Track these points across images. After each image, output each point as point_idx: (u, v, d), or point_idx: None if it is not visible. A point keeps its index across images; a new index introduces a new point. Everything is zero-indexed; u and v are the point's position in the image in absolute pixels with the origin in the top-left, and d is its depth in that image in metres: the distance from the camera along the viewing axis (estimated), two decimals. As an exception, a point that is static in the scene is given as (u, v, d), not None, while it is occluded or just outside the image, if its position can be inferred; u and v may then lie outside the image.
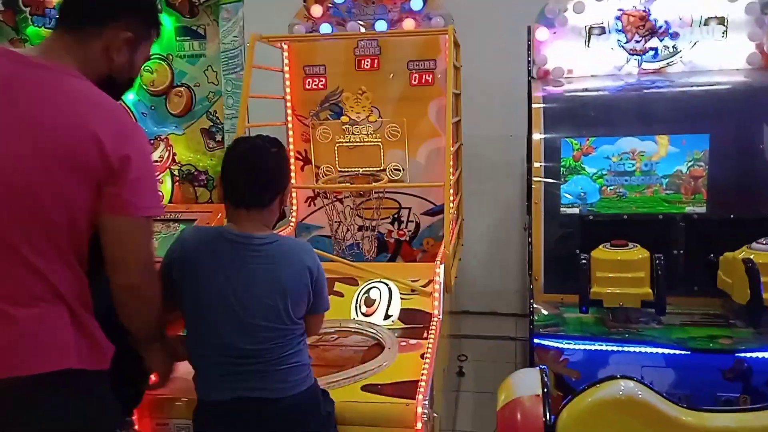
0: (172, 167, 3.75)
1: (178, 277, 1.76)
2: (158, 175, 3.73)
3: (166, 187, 3.75)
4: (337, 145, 3.53)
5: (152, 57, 3.70)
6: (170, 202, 3.73)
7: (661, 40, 3.26)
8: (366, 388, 2.06)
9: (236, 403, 1.74)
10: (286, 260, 1.78)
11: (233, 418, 1.74)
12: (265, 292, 1.74)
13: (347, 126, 3.51)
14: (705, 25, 3.22)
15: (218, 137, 3.67)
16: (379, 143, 3.48)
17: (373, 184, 3.49)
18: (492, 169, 4.55)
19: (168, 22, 3.66)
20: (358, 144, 3.52)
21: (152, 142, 3.75)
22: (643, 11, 3.24)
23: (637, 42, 3.27)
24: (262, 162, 1.78)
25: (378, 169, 3.50)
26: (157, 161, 3.74)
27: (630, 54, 3.30)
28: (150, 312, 1.68)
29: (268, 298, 1.73)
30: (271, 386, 1.74)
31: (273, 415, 1.74)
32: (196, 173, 3.73)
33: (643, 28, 3.25)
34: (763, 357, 2.29)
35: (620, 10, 3.27)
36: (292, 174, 3.62)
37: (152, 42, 1.82)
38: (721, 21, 3.20)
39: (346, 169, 3.55)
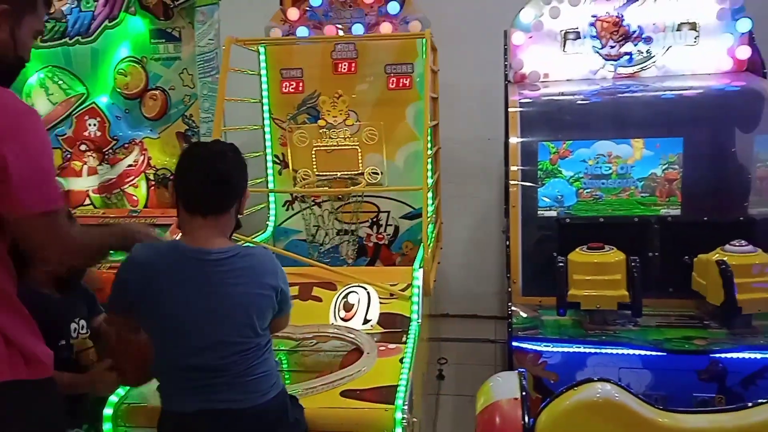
0: (147, 171, 3.70)
1: (135, 299, 1.67)
2: (133, 179, 3.68)
3: (141, 192, 3.70)
4: (315, 148, 3.51)
5: (126, 59, 3.66)
6: (145, 206, 3.69)
7: (635, 45, 3.31)
8: (345, 394, 2.05)
9: (201, 415, 1.66)
10: (249, 275, 1.71)
11: (198, 429, 1.68)
12: (228, 309, 1.67)
13: (324, 130, 3.50)
14: (677, 30, 3.27)
15: (194, 141, 3.62)
16: (357, 147, 3.47)
17: (351, 187, 3.48)
18: (470, 173, 4.57)
19: (142, 24, 3.61)
20: (336, 148, 3.50)
21: (126, 146, 3.70)
22: (617, 17, 3.28)
23: (612, 47, 3.32)
24: (220, 166, 1.70)
25: (356, 172, 3.49)
26: (131, 165, 3.69)
27: (605, 59, 3.34)
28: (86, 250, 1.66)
29: (230, 315, 1.67)
30: (237, 396, 1.68)
31: (239, 424, 1.69)
32: (171, 177, 3.68)
33: (617, 33, 3.29)
34: (738, 357, 2.32)
35: (594, 16, 3.31)
36: (270, 178, 3.60)
37: (41, 15, 1.66)
38: (693, 26, 3.26)
39: (324, 173, 3.53)
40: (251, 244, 2.95)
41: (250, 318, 1.68)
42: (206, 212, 1.69)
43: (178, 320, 1.65)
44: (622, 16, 3.28)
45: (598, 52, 3.33)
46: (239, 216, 1.79)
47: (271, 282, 1.74)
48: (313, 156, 3.51)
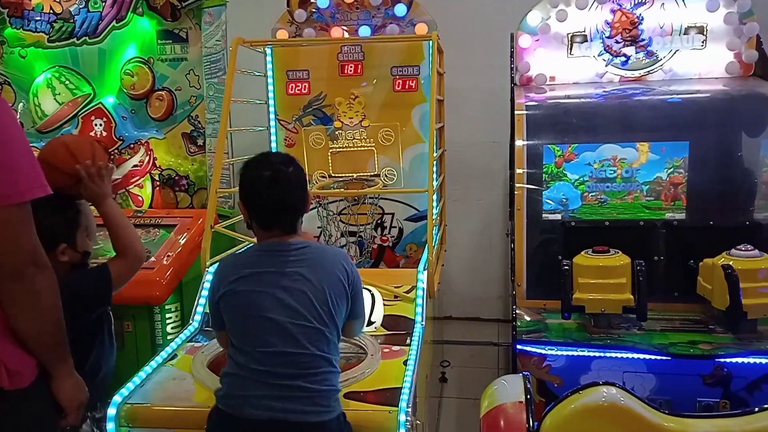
0: (152, 172, 3.71)
1: (223, 303, 1.81)
2: (138, 179, 3.69)
3: (146, 192, 3.71)
4: (331, 150, 3.52)
5: (133, 60, 3.67)
6: (150, 207, 3.70)
7: (637, 52, 3.31)
8: (349, 396, 2.04)
9: (271, 425, 1.71)
10: (324, 261, 1.83)
11: None
12: (305, 294, 1.76)
13: (339, 131, 3.51)
14: (685, 34, 3.27)
15: (200, 141, 3.64)
16: (373, 148, 3.48)
17: (355, 190, 3.48)
18: (475, 176, 4.57)
19: (149, 25, 3.63)
20: (352, 149, 3.51)
21: (132, 146, 3.71)
22: (637, 18, 3.27)
23: (617, 43, 3.31)
24: (289, 189, 1.82)
25: (372, 174, 3.50)
26: (137, 165, 3.70)
27: (605, 49, 3.33)
28: (43, 314, 1.59)
29: (307, 299, 1.76)
30: (310, 408, 1.73)
31: None
32: (177, 178, 3.69)
33: (628, 33, 3.29)
34: (743, 362, 2.31)
35: (619, 5, 3.30)
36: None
37: None
38: (701, 30, 3.25)
39: (339, 175, 3.54)
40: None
41: (324, 303, 1.77)
42: (281, 229, 1.84)
43: (258, 305, 1.75)
44: (642, 19, 3.28)
45: (602, 39, 3.32)
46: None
47: (344, 264, 1.86)
48: (329, 158, 3.52)
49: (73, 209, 2.06)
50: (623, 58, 3.33)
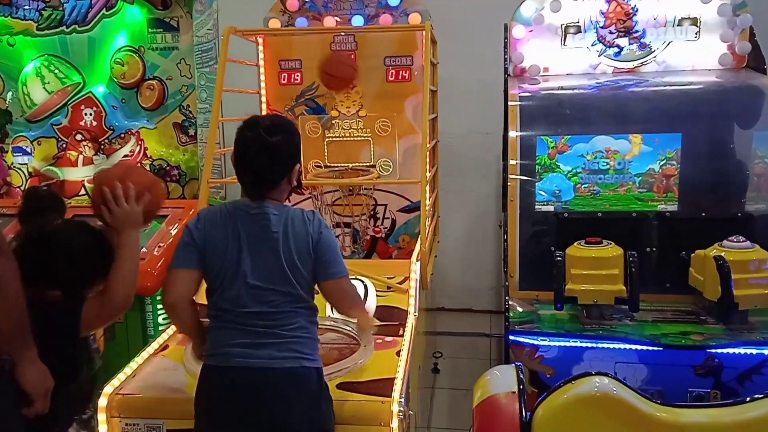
0: (143, 162, 3.68)
1: (201, 248, 1.82)
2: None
3: (137, 182, 3.68)
4: (327, 139, 3.50)
5: (123, 49, 3.64)
6: (141, 197, 3.66)
7: (630, 43, 3.30)
8: (341, 386, 2.04)
9: (241, 371, 1.76)
10: (295, 224, 1.84)
11: (236, 383, 1.76)
12: (271, 257, 1.80)
13: (335, 121, 3.49)
14: (678, 25, 3.26)
15: (191, 131, 3.61)
16: (369, 138, 3.47)
17: (348, 179, 3.47)
18: (468, 167, 4.57)
19: (140, 13, 3.59)
20: (347, 139, 3.49)
21: (123, 136, 3.68)
22: (631, 9, 3.27)
23: (611, 33, 3.30)
24: (261, 157, 1.81)
25: (368, 164, 3.49)
26: (127, 156, 3.68)
27: (598, 40, 3.33)
28: (3, 300, 1.57)
29: (274, 262, 1.79)
30: (289, 354, 1.78)
31: (275, 384, 1.76)
32: (168, 168, 3.67)
33: (623, 23, 3.28)
34: (734, 353, 2.32)
35: None
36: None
37: None
38: (694, 22, 3.25)
39: (334, 165, 3.53)
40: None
41: (293, 263, 1.80)
42: (254, 192, 1.85)
43: (231, 264, 1.79)
44: (636, 10, 3.27)
45: (596, 29, 3.31)
46: (295, 183, 1.92)
47: (308, 227, 1.85)
48: (325, 147, 3.51)
49: (108, 255, 1.90)
50: (616, 49, 3.32)
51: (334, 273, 1.88)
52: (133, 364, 2.17)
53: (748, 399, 1.58)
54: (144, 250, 3.12)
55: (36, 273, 1.77)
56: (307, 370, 1.80)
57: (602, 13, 3.30)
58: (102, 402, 2.00)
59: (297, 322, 1.81)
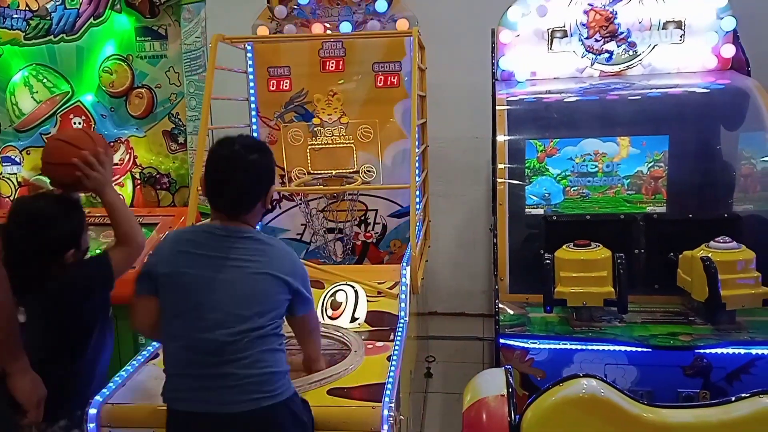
0: (133, 170, 3.68)
1: (160, 273, 1.76)
2: (118, 178, 3.65)
3: (126, 191, 3.68)
4: (309, 147, 3.50)
5: (111, 57, 3.63)
6: (131, 206, 3.66)
7: (618, 46, 3.33)
8: (332, 392, 2.04)
9: (206, 418, 1.68)
10: (269, 253, 1.78)
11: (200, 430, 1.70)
12: (240, 281, 1.72)
13: (318, 128, 3.49)
14: (663, 28, 3.29)
15: (180, 139, 3.61)
16: (352, 145, 3.47)
17: (336, 187, 3.47)
18: (458, 171, 4.58)
19: (128, 22, 3.59)
20: (330, 146, 3.50)
21: (112, 144, 3.67)
22: (611, 13, 3.30)
23: (597, 41, 3.33)
24: (238, 173, 1.75)
25: (351, 171, 3.49)
26: (117, 164, 3.67)
27: (586, 50, 3.35)
28: None
29: (242, 288, 1.72)
30: (244, 397, 1.68)
31: (239, 428, 1.69)
32: (158, 176, 3.66)
33: (606, 29, 3.31)
34: (722, 353, 2.34)
35: (590, 5, 3.32)
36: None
37: None
38: (679, 25, 3.28)
39: (318, 172, 3.53)
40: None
41: (260, 295, 1.73)
42: (230, 212, 1.79)
43: (195, 289, 1.71)
44: (615, 13, 3.30)
45: (582, 41, 3.34)
46: (268, 207, 1.89)
47: (287, 275, 1.78)
48: (308, 154, 3.51)
49: (78, 214, 2.10)
50: (606, 55, 3.35)
51: (307, 309, 1.90)
52: (123, 373, 2.16)
53: (733, 398, 1.59)
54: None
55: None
56: (270, 409, 1.71)
57: (584, 25, 3.33)
58: (92, 411, 1.99)
59: (253, 356, 1.70)
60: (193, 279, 1.72)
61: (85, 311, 2.08)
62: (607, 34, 3.32)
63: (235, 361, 1.69)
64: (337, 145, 3.48)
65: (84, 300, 2.07)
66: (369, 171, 3.48)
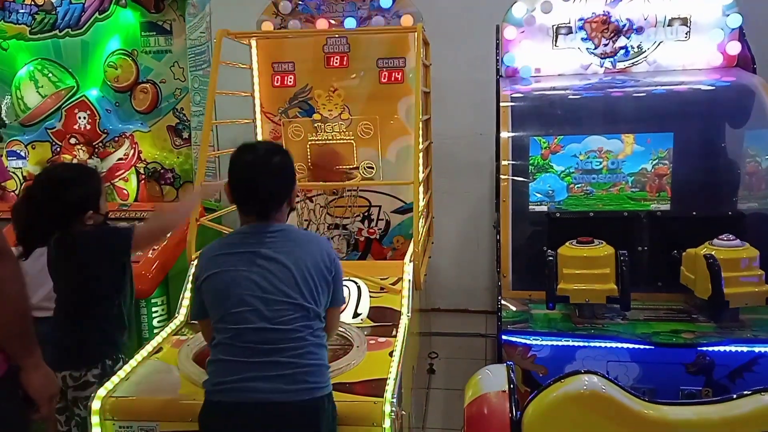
0: (137, 165, 3.69)
1: (205, 287, 1.80)
2: (123, 172, 3.67)
3: (131, 186, 3.69)
4: (310, 142, 3.51)
5: (117, 52, 3.65)
6: (135, 200, 3.68)
7: (628, 38, 3.32)
8: (335, 387, 2.02)
9: (252, 408, 1.70)
10: (305, 243, 1.84)
11: (244, 420, 1.71)
12: (281, 272, 1.76)
13: (319, 124, 3.49)
14: (669, 25, 3.28)
15: (185, 134, 3.62)
16: (352, 141, 3.48)
17: (342, 182, 3.47)
18: (462, 168, 4.58)
19: (133, 17, 3.60)
20: (331, 142, 3.50)
21: (117, 139, 3.69)
22: (603, 14, 3.29)
23: (606, 45, 3.32)
24: (264, 177, 1.82)
25: (351, 167, 3.49)
26: (121, 159, 3.68)
27: (602, 58, 3.35)
28: (6, 303, 1.58)
29: (284, 273, 1.75)
30: (294, 387, 1.72)
31: (281, 419, 1.70)
32: (162, 171, 3.68)
33: (607, 30, 3.30)
34: (725, 351, 2.33)
35: (581, 19, 3.32)
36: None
37: None
38: (685, 22, 3.27)
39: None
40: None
41: (304, 279, 1.76)
42: (257, 213, 1.84)
43: (234, 283, 1.74)
44: (609, 13, 3.29)
45: (593, 53, 3.34)
46: (293, 207, 1.96)
47: (327, 249, 1.87)
48: (308, 150, 3.51)
49: (94, 179, 2.27)
50: (623, 51, 3.33)
51: (340, 302, 1.95)
52: (127, 367, 2.18)
53: (735, 396, 1.59)
54: (139, 253, 3.13)
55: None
56: (319, 401, 1.75)
57: (588, 39, 3.33)
58: (95, 405, 2.01)
59: (306, 346, 1.75)
60: (230, 275, 1.76)
61: (104, 271, 2.20)
62: (612, 34, 3.31)
63: (287, 351, 1.72)
64: (338, 141, 3.48)
65: (101, 259, 2.18)
66: (369, 167, 3.48)
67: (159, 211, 2.42)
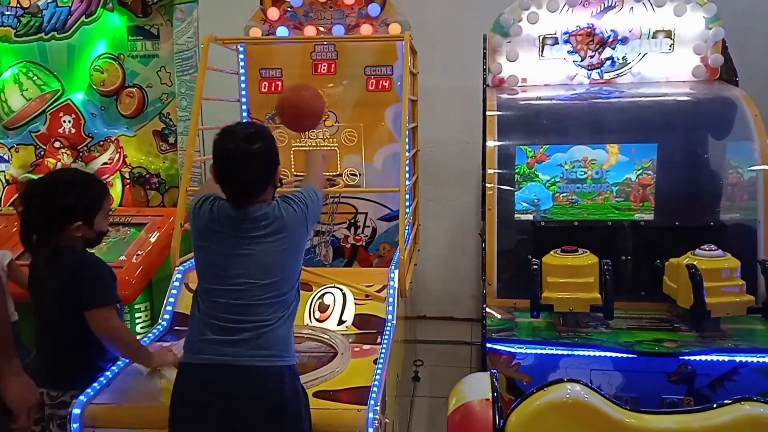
0: (122, 170, 3.67)
1: (196, 250, 1.92)
2: (108, 177, 3.64)
3: (116, 190, 3.66)
4: (293, 149, 3.50)
5: (103, 56, 3.63)
6: (120, 205, 3.65)
7: (613, 48, 3.36)
8: (318, 395, 2.04)
9: (211, 368, 1.78)
10: (280, 226, 1.89)
11: (207, 381, 1.78)
12: (259, 260, 1.85)
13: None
14: (653, 38, 3.32)
15: (171, 139, 3.60)
16: (336, 148, 3.48)
17: (329, 188, 3.47)
18: (448, 175, 4.59)
19: (120, 21, 3.58)
20: (315, 148, 3.50)
21: (102, 143, 3.66)
22: (588, 27, 3.33)
23: (592, 56, 3.36)
24: (244, 166, 1.84)
25: (334, 174, 3.49)
26: (106, 163, 3.66)
27: (589, 69, 3.39)
28: None
29: (261, 264, 1.85)
30: (256, 352, 1.79)
31: (246, 382, 1.77)
32: (147, 176, 3.65)
33: (592, 42, 3.34)
34: (706, 360, 2.36)
35: (566, 33, 3.37)
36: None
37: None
38: (669, 34, 3.31)
39: (302, 174, 3.52)
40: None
41: (276, 267, 1.86)
42: (238, 197, 1.89)
43: (218, 263, 1.85)
44: (593, 25, 3.33)
45: (580, 66, 3.38)
46: (278, 185, 2.00)
47: (298, 215, 1.93)
48: (292, 156, 3.51)
49: (95, 191, 2.14)
50: (609, 62, 3.37)
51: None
52: (108, 373, 2.15)
53: (715, 405, 1.61)
54: (123, 258, 3.11)
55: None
56: (277, 369, 1.81)
57: (574, 52, 3.36)
58: (76, 411, 1.98)
59: (273, 317, 1.83)
60: (216, 254, 1.86)
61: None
62: (597, 46, 3.34)
63: (254, 322, 1.81)
64: (321, 148, 3.48)
65: (73, 289, 2.04)
66: (352, 174, 3.48)
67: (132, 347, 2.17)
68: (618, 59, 3.37)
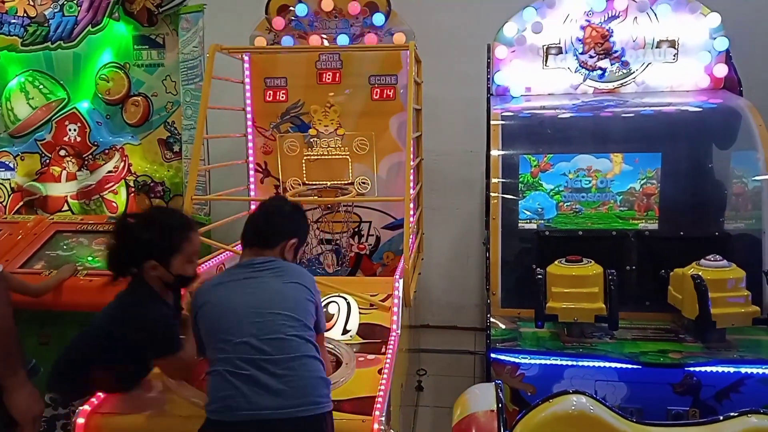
0: (127, 178, 3.68)
1: (200, 317, 1.87)
2: (113, 185, 3.66)
3: (120, 198, 3.67)
4: (305, 158, 3.52)
5: (109, 65, 3.65)
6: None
7: (612, 64, 3.37)
8: (322, 404, 2.04)
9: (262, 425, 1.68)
10: (289, 271, 1.97)
11: None
12: (271, 292, 1.89)
13: (314, 139, 3.51)
14: (657, 47, 3.33)
15: (176, 148, 3.62)
16: (347, 156, 3.49)
17: (330, 198, 3.48)
18: (452, 185, 4.59)
19: (125, 30, 3.60)
20: (326, 157, 3.51)
21: (107, 152, 3.67)
22: (607, 31, 3.33)
23: (591, 57, 3.36)
24: (269, 216, 2.09)
25: (345, 182, 3.50)
26: (111, 171, 3.67)
27: (580, 66, 3.39)
28: None
29: (274, 296, 1.87)
30: (298, 401, 1.71)
31: None
32: (152, 184, 3.66)
33: (601, 46, 3.34)
34: (712, 371, 2.35)
35: (588, 21, 3.35)
36: (252, 186, 3.59)
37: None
38: (673, 44, 3.32)
39: (313, 183, 3.54)
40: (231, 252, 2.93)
41: (291, 300, 1.88)
42: (253, 244, 2.03)
43: (230, 308, 1.83)
44: (612, 31, 3.34)
45: (576, 56, 3.38)
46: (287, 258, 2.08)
47: (309, 281, 1.99)
48: (303, 165, 3.52)
49: (177, 234, 2.05)
50: (599, 71, 3.38)
51: (323, 327, 2.04)
52: (112, 382, 2.15)
53: (721, 417, 1.60)
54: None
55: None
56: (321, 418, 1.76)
57: (579, 40, 3.37)
58: (80, 421, 1.98)
59: (301, 357, 1.78)
60: (222, 302, 1.86)
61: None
62: (602, 52, 3.35)
63: (282, 362, 1.74)
64: (333, 157, 3.49)
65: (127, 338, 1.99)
66: (364, 183, 3.49)
67: None
68: (609, 74, 3.37)
